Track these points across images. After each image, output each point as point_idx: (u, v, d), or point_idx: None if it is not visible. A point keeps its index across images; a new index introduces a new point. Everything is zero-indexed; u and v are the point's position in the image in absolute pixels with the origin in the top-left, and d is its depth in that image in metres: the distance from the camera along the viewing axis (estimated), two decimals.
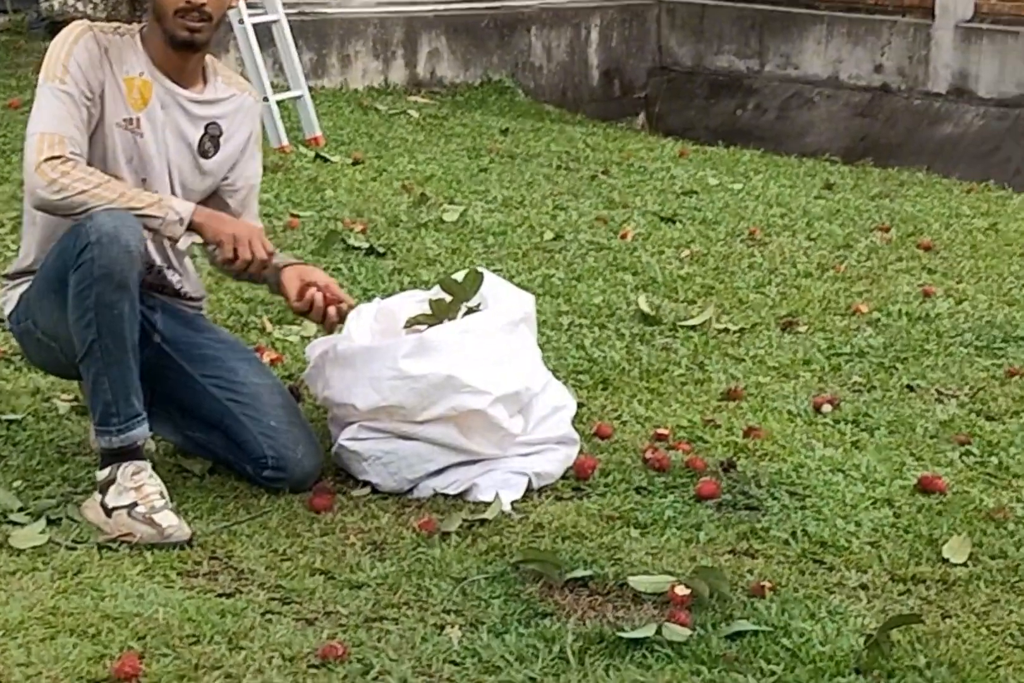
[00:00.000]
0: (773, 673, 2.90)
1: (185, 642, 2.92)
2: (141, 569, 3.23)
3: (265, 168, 3.93)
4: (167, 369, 3.70)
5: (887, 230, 6.74)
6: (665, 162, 8.34)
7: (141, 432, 3.45)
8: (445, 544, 3.40)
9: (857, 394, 4.57)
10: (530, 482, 3.71)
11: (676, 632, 2.98)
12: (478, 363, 3.63)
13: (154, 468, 3.51)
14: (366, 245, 5.86)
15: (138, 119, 3.57)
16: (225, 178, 3.76)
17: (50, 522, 3.42)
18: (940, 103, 10.69)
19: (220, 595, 3.15)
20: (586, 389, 4.47)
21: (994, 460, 4.06)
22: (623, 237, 6.33)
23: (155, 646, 2.89)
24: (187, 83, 3.65)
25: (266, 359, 4.32)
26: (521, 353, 3.77)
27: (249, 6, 7.90)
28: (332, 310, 3.64)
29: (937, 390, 4.62)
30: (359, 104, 9.36)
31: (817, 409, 4.38)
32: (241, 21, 7.79)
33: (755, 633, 3.02)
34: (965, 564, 3.42)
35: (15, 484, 3.61)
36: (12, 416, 4.03)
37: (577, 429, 3.93)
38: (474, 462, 3.70)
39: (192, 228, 3.48)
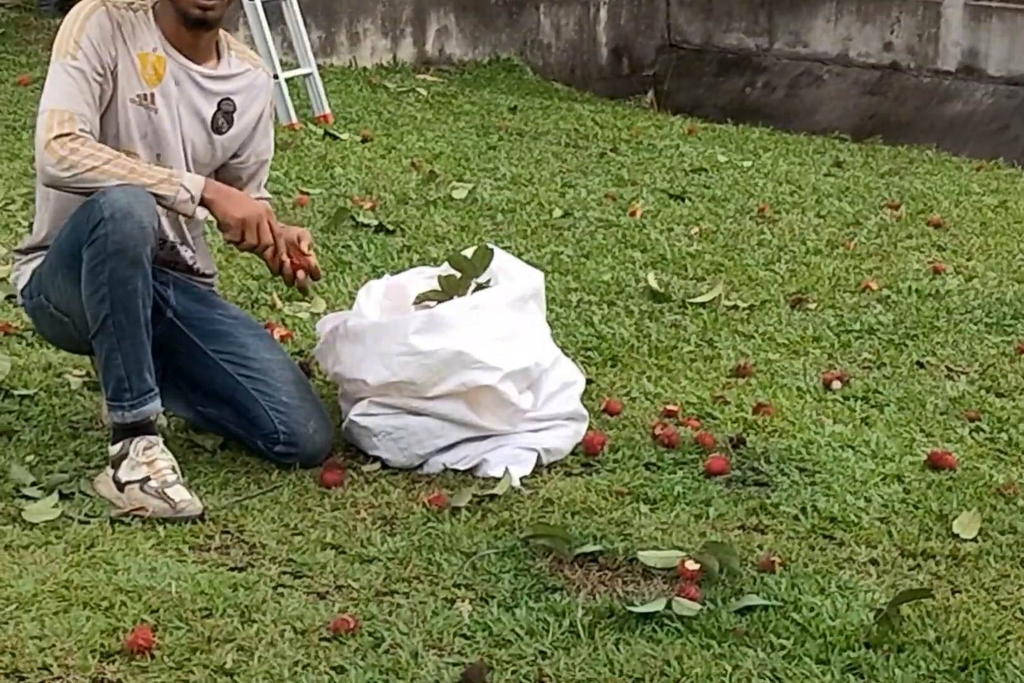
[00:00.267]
0: (783, 647, 2.91)
1: (198, 615, 2.93)
2: (154, 543, 3.25)
3: (275, 145, 3.93)
4: (179, 344, 3.71)
5: (897, 207, 6.73)
6: (674, 140, 8.32)
7: (153, 407, 3.46)
8: (455, 519, 3.41)
9: (867, 371, 4.57)
10: (539, 458, 3.72)
11: (686, 607, 2.99)
12: (488, 339, 3.63)
13: (166, 443, 3.52)
14: (375, 222, 5.86)
15: (152, 95, 3.56)
16: (237, 154, 3.76)
17: (63, 496, 3.43)
18: (950, 81, 10.66)
19: (232, 569, 3.16)
20: (595, 366, 4.48)
21: (1004, 436, 4.07)
22: (632, 214, 6.33)
23: (168, 619, 2.91)
24: (201, 59, 3.64)
25: (276, 335, 4.32)
26: (530, 329, 3.78)
27: None
28: (301, 274, 3.64)
29: (947, 366, 4.63)
30: (368, 82, 9.36)
31: (827, 386, 4.38)
32: None
33: (765, 608, 3.03)
34: (975, 539, 3.43)
35: (28, 459, 3.62)
36: (25, 391, 4.04)
37: (586, 406, 3.93)
38: (484, 438, 3.70)
39: (203, 203, 3.48)
